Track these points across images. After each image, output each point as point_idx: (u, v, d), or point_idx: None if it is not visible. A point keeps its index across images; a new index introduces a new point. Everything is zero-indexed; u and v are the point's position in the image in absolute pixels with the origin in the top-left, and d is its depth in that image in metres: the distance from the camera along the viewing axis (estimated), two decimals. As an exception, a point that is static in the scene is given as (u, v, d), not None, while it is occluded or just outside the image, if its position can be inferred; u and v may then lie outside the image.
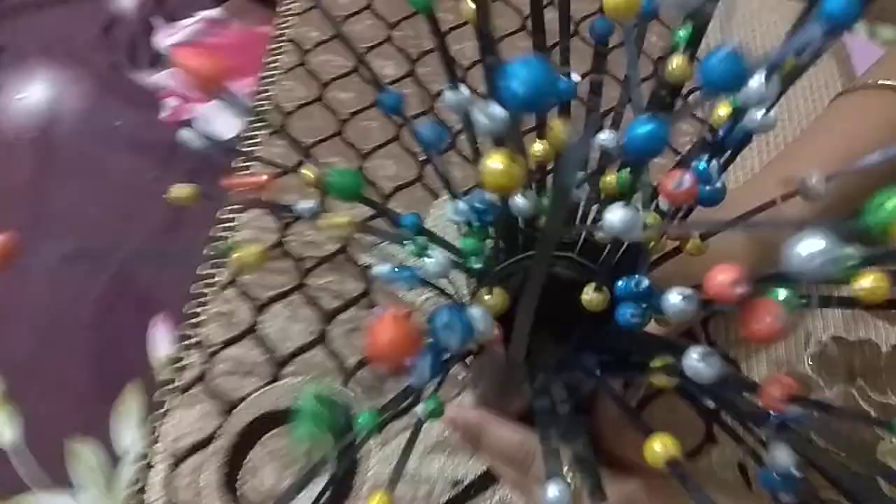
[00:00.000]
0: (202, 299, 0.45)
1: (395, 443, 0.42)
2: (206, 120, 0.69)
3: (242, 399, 0.42)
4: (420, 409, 0.29)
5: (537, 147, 0.31)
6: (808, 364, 0.46)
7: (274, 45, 0.53)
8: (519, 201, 0.27)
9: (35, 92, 0.69)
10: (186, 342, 0.44)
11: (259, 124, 0.51)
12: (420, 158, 0.49)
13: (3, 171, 0.64)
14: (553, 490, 0.24)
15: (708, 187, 0.25)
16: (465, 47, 0.52)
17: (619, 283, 0.27)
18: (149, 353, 0.55)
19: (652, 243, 0.28)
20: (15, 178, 0.63)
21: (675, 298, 0.22)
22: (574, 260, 0.34)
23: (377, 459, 0.42)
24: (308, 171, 0.32)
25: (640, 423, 0.24)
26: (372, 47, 0.54)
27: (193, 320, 0.45)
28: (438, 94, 0.52)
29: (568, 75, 0.27)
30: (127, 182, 0.65)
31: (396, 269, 0.29)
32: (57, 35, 0.72)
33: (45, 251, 0.61)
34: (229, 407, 0.42)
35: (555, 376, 0.30)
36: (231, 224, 0.47)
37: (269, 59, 0.53)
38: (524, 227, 0.31)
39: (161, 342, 0.53)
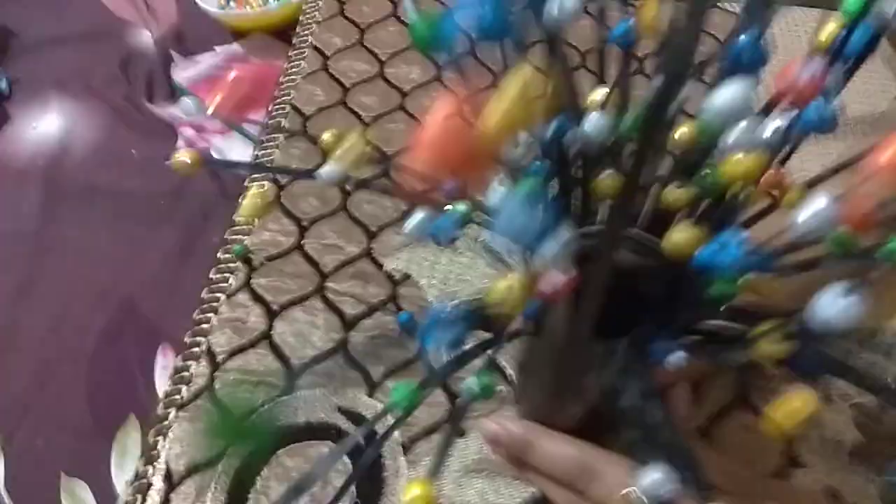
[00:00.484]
0: (212, 304, 0.41)
1: (425, 463, 0.37)
2: (220, 150, 0.67)
3: (252, 412, 0.37)
4: (468, 384, 0.24)
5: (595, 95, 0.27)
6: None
7: (295, 52, 0.51)
8: (593, 120, 0.23)
9: (48, 122, 0.67)
10: (193, 350, 0.39)
11: (277, 128, 0.48)
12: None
13: (14, 197, 0.62)
14: (652, 475, 0.19)
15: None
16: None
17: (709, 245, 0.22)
18: (152, 386, 0.51)
19: (743, 192, 0.24)
20: (26, 205, 0.61)
21: (813, 206, 0.17)
22: (637, 240, 0.29)
23: (406, 480, 0.36)
24: (329, 136, 0.29)
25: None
26: (396, 53, 0.51)
27: (202, 326, 0.40)
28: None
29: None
30: (138, 210, 0.63)
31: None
32: (74, 69, 0.71)
33: (50, 279, 0.58)
34: (238, 421, 0.37)
35: (630, 357, 0.25)
36: (246, 227, 0.44)
37: (290, 66, 0.51)
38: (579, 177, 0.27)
39: (167, 374, 0.49)
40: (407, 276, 0.42)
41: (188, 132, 0.67)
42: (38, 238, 0.60)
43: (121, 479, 0.47)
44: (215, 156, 0.68)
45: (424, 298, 0.41)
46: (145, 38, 0.73)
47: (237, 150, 0.66)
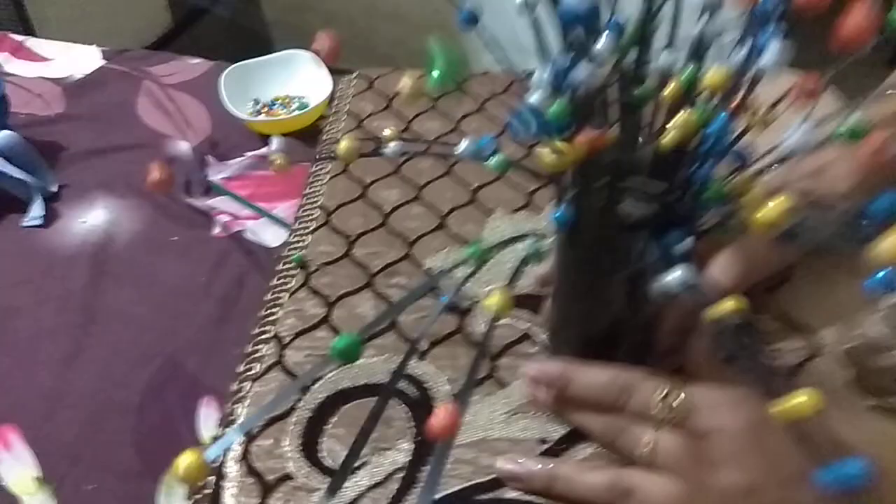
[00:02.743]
0: (276, 302, 0.51)
1: (472, 411, 0.45)
2: (254, 231, 0.79)
3: (317, 380, 0.46)
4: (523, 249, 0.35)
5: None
6: (882, 326, 0.50)
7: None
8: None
9: (95, 216, 0.79)
10: (262, 336, 0.49)
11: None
12: (472, 187, 0.59)
13: (62, 279, 0.72)
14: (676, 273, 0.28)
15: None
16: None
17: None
18: (198, 432, 0.58)
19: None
20: (73, 285, 0.71)
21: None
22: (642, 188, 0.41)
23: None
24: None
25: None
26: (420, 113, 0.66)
27: (267, 318, 0.50)
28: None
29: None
30: (177, 286, 0.72)
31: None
32: (117, 173, 0.84)
33: (98, 345, 0.66)
34: (306, 386, 0.46)
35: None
36: (301, 243, 0.55)
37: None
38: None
39: (210, 422, 0.55)
40: (444, 271, 0.52)
41: (224, 218, 0.79)
42: (85, 310, 0.69)
43: (171, 513, 0.54)
44: (249, 237, 0.79)
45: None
46: (183, 147, 0.88)
47: (269, 232, 0.77)
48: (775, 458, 0.35)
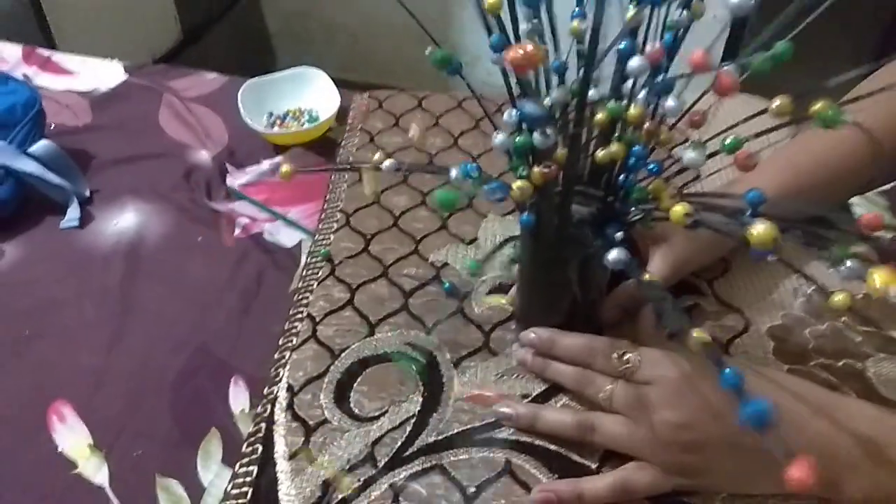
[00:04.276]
0: (308, 288, 0.66)
1: (469, 373, 0.61)
2: (271, 233, 0.93)
3: (345, 349, 0.62)
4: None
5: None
6: (800, 310, 0.66)
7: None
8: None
9: (126, 219, 0.92)
10: (296, 315, 0.64)
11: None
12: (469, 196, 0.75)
13: (100, 276, 0.85)
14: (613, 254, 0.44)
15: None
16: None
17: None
18: (229, 406, 0.71)
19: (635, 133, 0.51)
20: (109, 281, 0.84)
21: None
22: (583, 192, 0.56)
23: (457, 384, 0.60)
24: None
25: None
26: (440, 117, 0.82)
27: (301, 302, 0.65)
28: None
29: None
30: (203, 283, 0.84)
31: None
32: (144, 180, 0.98)
33: (135, 334, 0.79)
34: (336, 354, 0.62)
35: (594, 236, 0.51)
36: (325, 241, 0.70)
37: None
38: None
39: (240, 397, 0.69)
40: (445, 264, 0.68)
41: (244, 221, 0.93)
42: (122, 303, 0.81)
43: (206, 476, 0.67)
44: (267, 238, 0.93)
45: (459, 276, 0.67)
46: (202, 155, 1.02)
47: (285, 233, 0.91)
48: (704, 401, 0.50)
